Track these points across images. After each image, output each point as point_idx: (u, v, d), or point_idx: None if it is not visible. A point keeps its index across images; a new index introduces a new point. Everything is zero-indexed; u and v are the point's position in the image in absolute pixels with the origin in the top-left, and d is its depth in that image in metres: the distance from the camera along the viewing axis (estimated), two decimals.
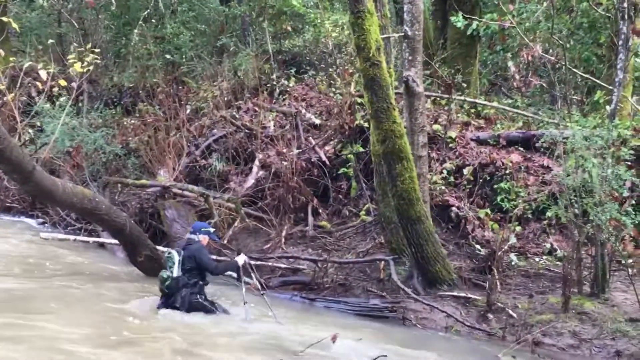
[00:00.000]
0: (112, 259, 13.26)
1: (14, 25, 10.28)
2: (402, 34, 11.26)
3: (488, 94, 18.69)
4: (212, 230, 10.36)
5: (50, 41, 17.07)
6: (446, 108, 14.84)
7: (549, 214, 11.20)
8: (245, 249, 12.15)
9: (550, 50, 14.09)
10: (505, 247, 10.92)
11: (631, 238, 10.90)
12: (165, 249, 9.95)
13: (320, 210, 14.33)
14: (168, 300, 9.62)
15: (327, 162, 14.67)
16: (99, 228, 14.02)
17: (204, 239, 10.01)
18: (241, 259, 9.97)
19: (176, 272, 9.58)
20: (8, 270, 11.41)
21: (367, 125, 13.21)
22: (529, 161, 12.99)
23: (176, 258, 9.63)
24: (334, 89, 16.57)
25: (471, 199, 12.79)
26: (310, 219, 14.03)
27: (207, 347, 8.30)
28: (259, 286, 10.19)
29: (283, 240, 13.23)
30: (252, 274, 10.21)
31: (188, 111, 17.88)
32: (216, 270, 9.91)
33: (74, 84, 12.09)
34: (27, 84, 18.23)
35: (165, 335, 8.55)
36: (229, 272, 10.12)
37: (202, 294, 9.76)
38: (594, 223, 9.53)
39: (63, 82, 11.55)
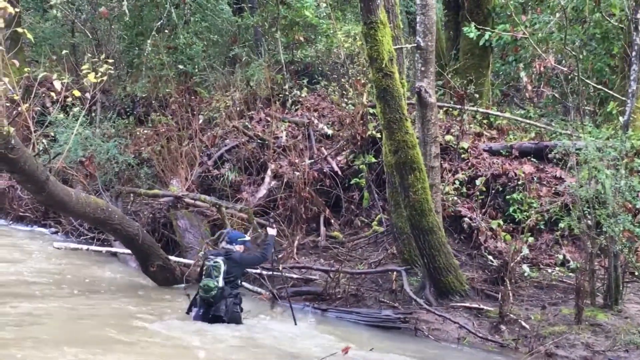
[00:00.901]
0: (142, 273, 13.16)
1: (29, 35, 10.30)
2: (415, 44, 11.26)
3: (500, 104, 18.67)
4: (247, 239, 10.45)
5: (64, 51, 17.18)
6: (458, 119, 14.82)
7: (561, 225, 11.16)
8: None
9: (563, 61, 14.11)
10: (518, 258, 10.90)
11: None
12: (211, 257, 9.87)
13: (332, 221, 14.33)
14: (208, 309, 9.64)
15: (339, 173, 14.68)
16: (111, 237, 14.06)
17: (240, 248, 10.09)
18: (272, 230, 10.22)
19: (221, 281, 9.62)
20: (63, 289, 11.42)
21: (380, 136, 13.23)
22: (542, 172, 12.97)
23: (222, 267, 9.64)
24: (346, 100, 16.59)
25: (483, 210, 12.78)
26: (323, 229, 14.03)
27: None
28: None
29: (295, 250, 13.23)
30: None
31: (200, 121, 17.93)
32: (266, 256, 10.12)
33: (87, 94, 12.12)
34: (41, 94, 18.29)
35: None
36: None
37: (240, 305, 9.88)
38: (607, 234, 9.51)
39: (77, 93, 11.57)
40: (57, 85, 10.58)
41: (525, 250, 11.36)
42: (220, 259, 9.73)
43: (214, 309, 9.61)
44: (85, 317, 9.83)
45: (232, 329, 9.52)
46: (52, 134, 17.82)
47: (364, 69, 15.98)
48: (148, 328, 9.46)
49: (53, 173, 13.21)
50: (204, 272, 9.85)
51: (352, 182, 14.57)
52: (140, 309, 10.47)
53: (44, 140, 17.47)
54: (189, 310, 9.98)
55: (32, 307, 10.03)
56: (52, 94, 11.12)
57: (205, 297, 9.61)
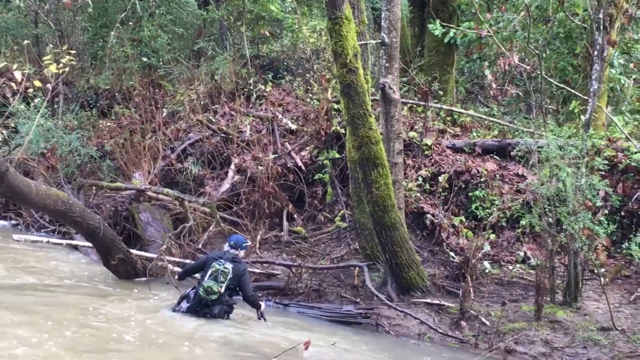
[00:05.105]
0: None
1: None
2: (380, 40, 11.27)
3: (464, 102, 18.79)
4: (249, 243, 10.51)
5: (26, 42, 16.90)
6: (422, 115, 14.88)
7: (523, 222, 11.25)
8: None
9: (527, 60, 14.18)
10: (479, 255, 10.98)
11: (604, 247, 10.99)
12: (221, 261, 9.72)
13: (295, 216, 14.32)
14: (202, 308, 9.60)
15: (303, 168, 14.68)
16: (72, 230, 13.90)
17: (242, 253, 10.17)
18: (263, 304, 10.00)
19: (224, 288, 9.61)
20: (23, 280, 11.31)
21: (343, 132, 13.25)
22: (504, 169, 13.07)
23: (229, 275, 9.62)
24: (310, 95, 16.58)
25: (446, 207, 12.84)
26: (285, 224, 14.02)
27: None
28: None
29: (257, 245, 13.21)
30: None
31: (164, 114, 17.78)
32: (251, 299, 9.89)
33: (49, 85, 11.96)
34: (2, 85, 18.05)
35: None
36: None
37: (230, 313, 9.86)
38: (568, 232, 9.59)
39: (38, 83, 11.43)
40: (18, 75, 10.45)
41: (487, 247, 11.48)
42: (229, 266, 9.69)
43: (207, 310, 9.62)
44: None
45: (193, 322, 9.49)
46: (13, 125, 17.57)
47: (329, 64, 15.98)
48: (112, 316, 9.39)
49: (13, 164, 13.05)
50: (209, 273, 9.74)
51: (316, 177, 14.58)
52: (99, 302, 10.33)
53: (4, 132, 17.25)
54: (177, 306, 9.84)
55: None
56: (13, 84, 10.98)
57: (205, 298, 9.56)
